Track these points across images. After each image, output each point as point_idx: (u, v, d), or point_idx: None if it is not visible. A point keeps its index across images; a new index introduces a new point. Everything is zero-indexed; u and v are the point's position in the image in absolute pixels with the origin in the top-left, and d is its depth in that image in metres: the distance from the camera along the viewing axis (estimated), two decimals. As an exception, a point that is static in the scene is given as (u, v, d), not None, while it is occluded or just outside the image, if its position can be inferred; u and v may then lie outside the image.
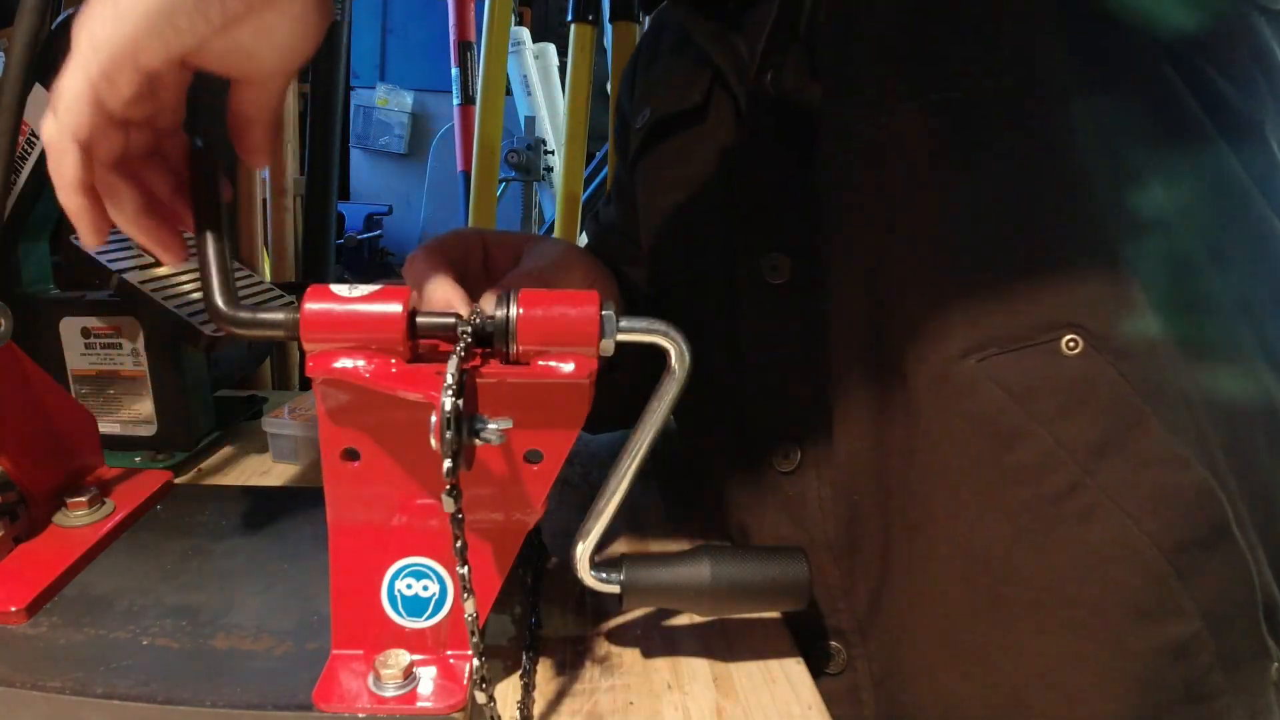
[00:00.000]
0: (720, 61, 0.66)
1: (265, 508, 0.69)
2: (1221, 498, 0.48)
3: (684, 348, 0.44)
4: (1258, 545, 0.51)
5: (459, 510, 0.37)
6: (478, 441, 0.38)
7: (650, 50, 0.85)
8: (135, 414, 0.81)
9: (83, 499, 0.64)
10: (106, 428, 0.81)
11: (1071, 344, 0.48)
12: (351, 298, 0.41)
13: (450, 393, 0.36)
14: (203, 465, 0.84)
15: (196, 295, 0.79)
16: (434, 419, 0.36)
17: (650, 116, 0.76)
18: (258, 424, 0.87)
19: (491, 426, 0.38)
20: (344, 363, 0.41)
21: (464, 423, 0.36)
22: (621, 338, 0.43)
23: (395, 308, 0.41)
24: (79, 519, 0.64)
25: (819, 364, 0.61)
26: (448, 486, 0.36)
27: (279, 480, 0.81)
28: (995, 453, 0.50)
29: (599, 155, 1.84)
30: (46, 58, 0.72)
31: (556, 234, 1.30)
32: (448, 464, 0.35)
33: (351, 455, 0.45)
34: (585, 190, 1.57)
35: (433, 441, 0.37)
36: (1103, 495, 0.48)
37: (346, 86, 1.64)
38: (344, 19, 1.26)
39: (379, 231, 2.54)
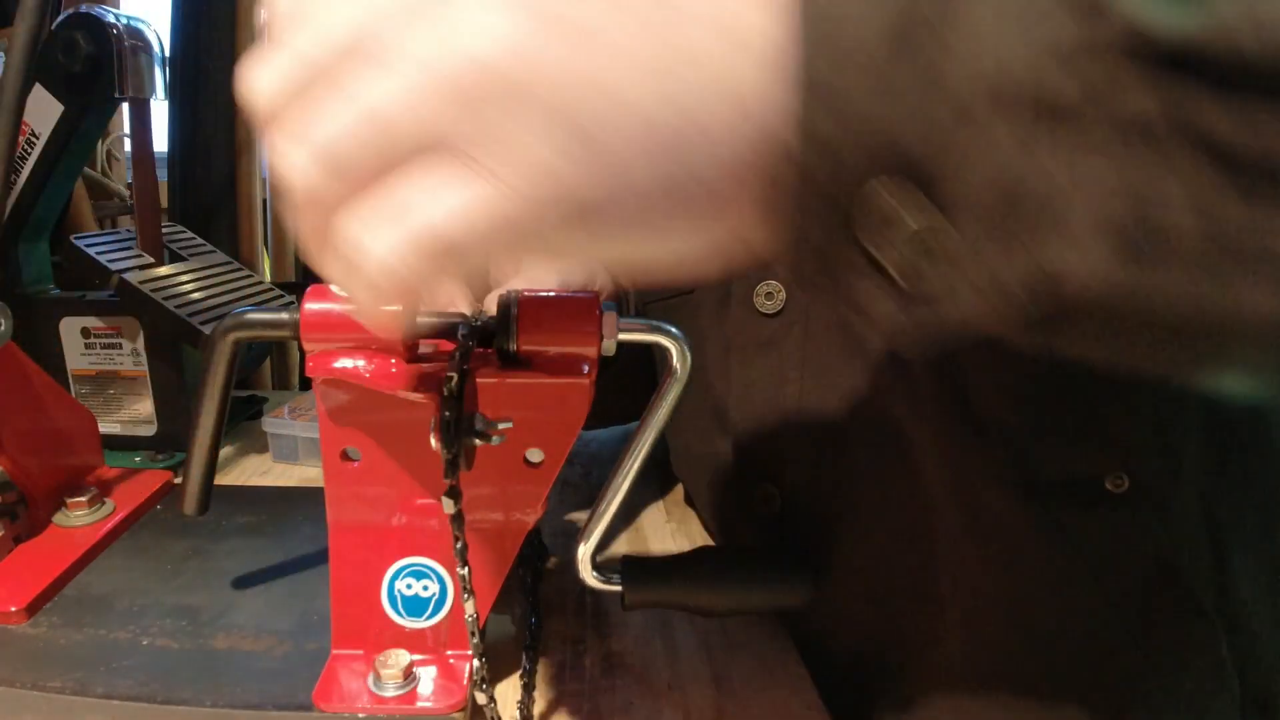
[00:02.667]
0: None
1: (265, 508, 0.69)
2: (1230, 665, 0.50)
3: (685, 348, 0.44)
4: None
5: (459, 511, 0.37)
6: (477, 442, 0.38)
7: None
8: (135, 414, 0.81)
9: (83, 499, 0.64)
10: (106, 428, 0.81)
11: (1117, 481, 0.48)
12: (352, 298, 0.41)
13: (450, 394, 0.36)
14: (203, 465, 0.83)
15: (197, 295, 0.79)
16: (433, 419, 0.36)
17: None
18: (258, 424, 0.87)
19: (491, 427, 0.38)
20: (344, 363, 0.41)
21: (464, 424, 0.36)
22: (623, 337, 0.43)
23: (395, 307, 0.41)
24: (79, 519, 0.64)
25: (809, 406, 0.58)
26: (448, 487, 0.36)
27: (279, 480, 0.81)
28: (1027, 593, 0.50)
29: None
30: (46, 58, 0.73)
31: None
32: (448, 465, 0.35)
33: (351, 455, 0.45)
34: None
35: (433, 442, 0.37)
36: (1132, 652, 0.49)
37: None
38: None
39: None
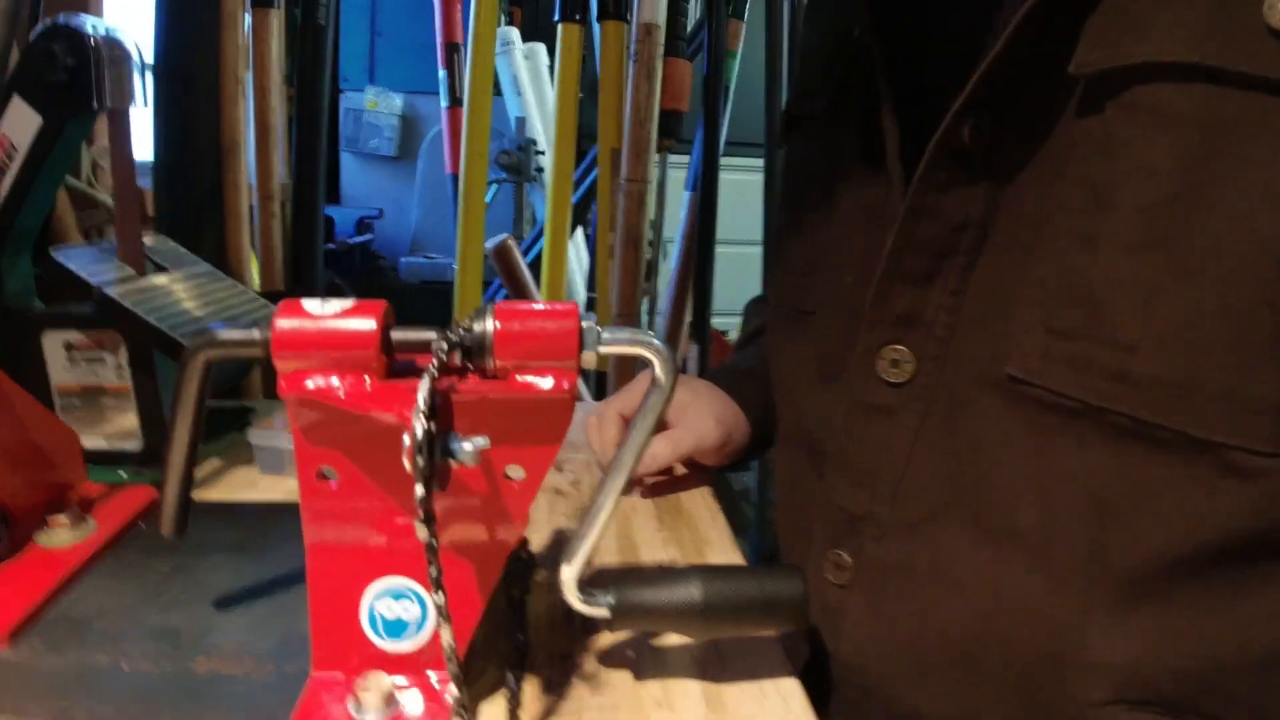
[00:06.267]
0: (882, 84, 0.52)
1: (249, 525, 0.68)
2: None
3: (667, 358, 0.43)
4: None
5: (433, 537, 0.35)
6: (452, 463, 0.37)
7: None
8: (120, 429, 0.80)
9: (65, 518, 0.64)
10: (91, 442, 0.79)
11: None
12: (324, 314, 0.40)
13: (421, 416, 0.34)
14: (189, 479, 0.82)
15: (180, 307, 0.78)
16: (405, 440, 0.35)
17: (789, 105, 0.68)
18: (246, 433, 0.85)
19: (466, 446, 0.37)
20: (316, 381, 0.40)
21: (436, 445, 0.35)
22: (604, 350, 0.42)
23: (368, 324, 0.40)
24: (61, 538, 0.63)
25: (910, 493, 0.53)
26: (420, 515, 0.35)
27: (266, 494, 0.80)
28: None
29: (590, 155, 1.82)
30: (24, 70, 0.72)
31: (547, 236, 1.29)
32: (419, 490, 0.34)
33: (327, 474, 0.44)
34: (576, 192, 1.56)
35: (405, 463, 0.36)
36: None
37: (334, 89, 1.63)
38: (328, 22, 1.25)
39: (370, 235, 2.52)
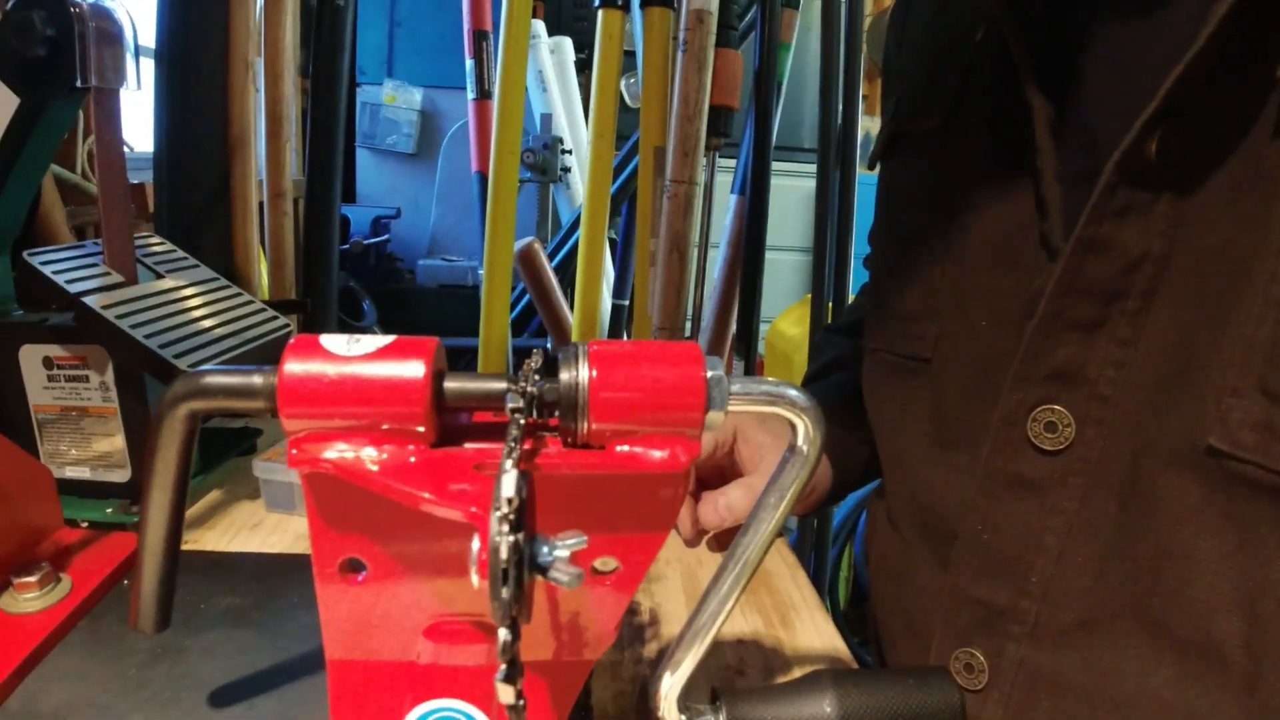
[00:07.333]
0: (1034, 95, 0.43)
1: (253, 585, 0.57)
2: None
3: (813, 423, 0.32)
4: None
5: (519, 698, 0.24)
6: (538, 579, 0.25)
7: None
8: (106, 457, 0.69)
9: (33, 579, 0.54)
10: (74, 472, 0.69)
11: None
12: (352, 356, 0.29)
13: (506, 522, 0.23)
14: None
15: (175, 321, 0.67)
16: (475, 548, 0.24)
17: (889, 123, 0.58)
18: (251, 460, 0.75)
19: (560, 555, 0.25)
20: (340, 452, 0.29)
21: (525, 562, 0.23)
22: (735, 408, 0.30)
23: (415, 370, 0.29)
24: (28, 603, 0.53)
25: (1064, 588, 0.43)
26: (503, 668, 0.23)
27: (272, 534, 0.69)
28: None
29: (623, 150, 1.72)
30: (2, 40, 0.61)
31: (583, 239, 1.18)
32: (505, 635, 0.23)
33: (355, 566, 0.32)
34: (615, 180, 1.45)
35: (474, 579, 0.24)
36: None
37: (352, 82, 1.52)
38: (348, 9, 1.14)
39: (386, 236, 2.41)
